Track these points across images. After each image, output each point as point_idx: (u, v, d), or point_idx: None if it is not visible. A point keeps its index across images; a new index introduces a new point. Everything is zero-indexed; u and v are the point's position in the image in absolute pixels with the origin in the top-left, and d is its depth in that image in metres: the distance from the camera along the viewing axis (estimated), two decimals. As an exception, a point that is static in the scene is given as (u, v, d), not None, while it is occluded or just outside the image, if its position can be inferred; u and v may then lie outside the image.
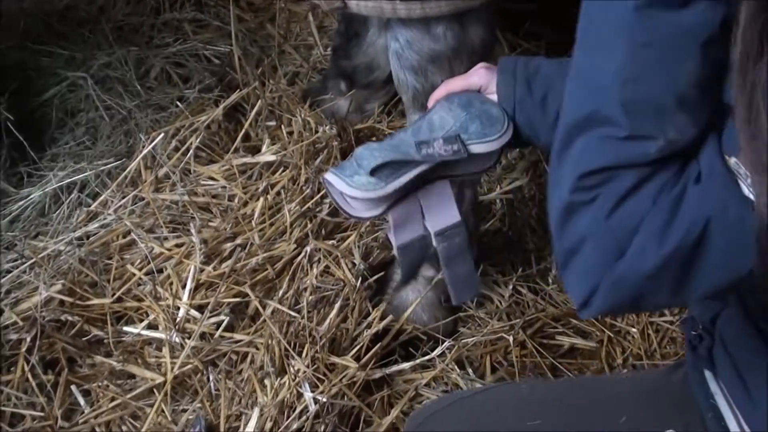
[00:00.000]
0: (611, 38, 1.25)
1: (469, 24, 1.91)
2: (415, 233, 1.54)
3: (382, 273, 2.36)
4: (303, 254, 2.33)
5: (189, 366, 2.14)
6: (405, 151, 1.45)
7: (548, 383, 2.04)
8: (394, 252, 1.57)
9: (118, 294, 2.27)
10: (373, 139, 2.76)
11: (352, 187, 1.43)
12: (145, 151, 2.54)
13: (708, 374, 1.49)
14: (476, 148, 1.47)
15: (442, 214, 1.54)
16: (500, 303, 2.42)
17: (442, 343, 2.27)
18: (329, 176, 1.45)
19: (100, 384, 2.15)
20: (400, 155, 1.44)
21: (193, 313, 2.23)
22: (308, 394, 2.06)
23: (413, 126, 1.50)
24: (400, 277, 2.30)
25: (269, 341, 2.15)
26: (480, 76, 1.57)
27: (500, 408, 1.61)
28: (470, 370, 2.26)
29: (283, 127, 2.68)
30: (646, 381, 1.69)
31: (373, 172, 1.42)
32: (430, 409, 1.65)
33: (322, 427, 2.05)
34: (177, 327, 2.19)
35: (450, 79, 1.56)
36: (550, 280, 2.49)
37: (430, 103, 1.56)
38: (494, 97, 1.55)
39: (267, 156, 2.57)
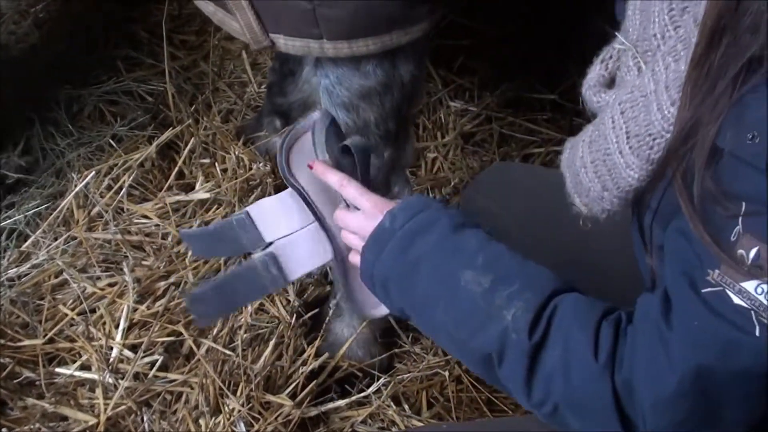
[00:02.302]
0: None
1: (399, 60, 1.93)
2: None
3: (316, 310, 2.36)
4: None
5: (123, 407, 2.11)
6: None
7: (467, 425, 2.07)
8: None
9: (50, 335, 2.24)
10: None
11: None
12: (76, 190, 2.52)
13: None
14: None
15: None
16: (435, 338, 2.42)
17: (378, 380, 2.27)
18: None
19: (32, 427, 2.11)
20: None
21: (127, 353, 2.21)
22: (243, 433, 2.05)
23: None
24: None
25: (204, 380, 2.13)
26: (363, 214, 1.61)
27: None
28: (406, 406, 2.27)
29: (217, 164, 2.68)
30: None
31: None
32: None
33: (258, 466, 2.04)
34: (110, 367, 2.17)
35: (349, 186, 1.60)
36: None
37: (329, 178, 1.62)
38: None
39: (201, 194, 2.57)
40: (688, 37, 1.30)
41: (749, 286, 1.19)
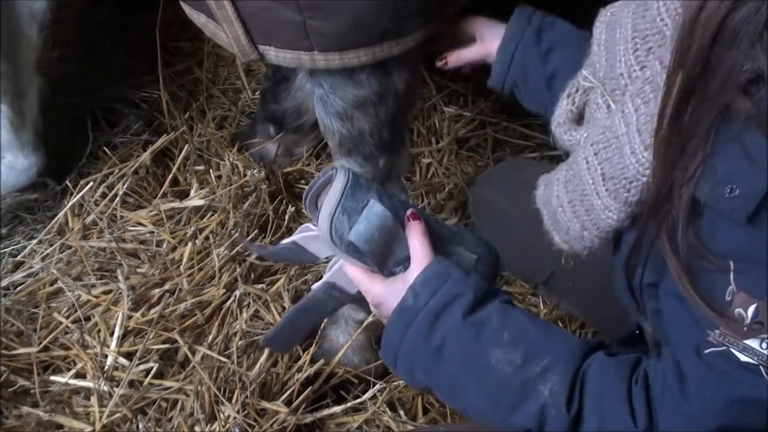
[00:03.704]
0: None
1: (393, 69, 1.93)
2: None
3: (312, 316, 2.35)
4: (232, 299, 2.33)
5: (118, 415, 2.11)
6: None
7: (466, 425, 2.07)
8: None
9: (44, 343, 2.24)
10: (302, 182, 2.77)
11: None
12: (72, 201, 2.52)
13: None
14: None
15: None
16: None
17: (374, 386, 2.27)
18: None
19: (27, 435, 2.12)
20: None
21: (122, 360, 2.21)
22: (239, 441, 2.05)
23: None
24: None
25: (199, 387, 2.13)
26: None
27: None
28: (402, 412, 2.26)
29: (211, 171, 2.68)
30: None
31: None
32: None
33: (253, 474, 2.04)
34: (105, 375, 2.17)
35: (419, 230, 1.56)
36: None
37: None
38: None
39: (195, 200, 2.57)
40: (655, 80, 1.30)
41: (753, 343, 1.19)
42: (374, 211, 1.52)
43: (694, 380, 1.28)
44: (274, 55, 1.84)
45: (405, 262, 1.56)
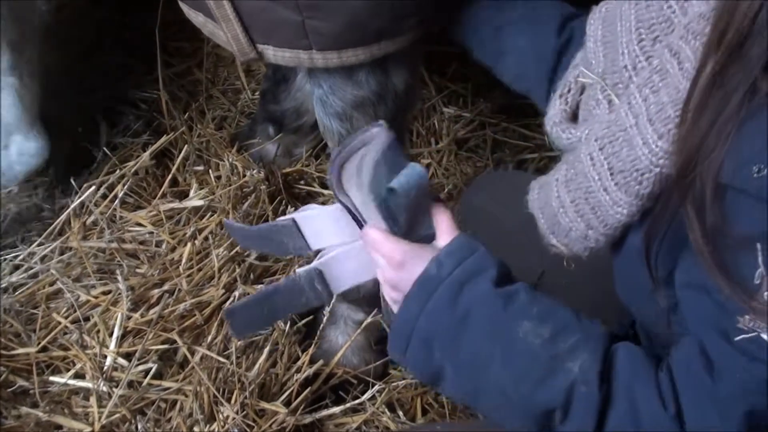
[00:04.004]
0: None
1: (391, 68, 1.93)
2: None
3: (310, 317, 2.35)
4: (231, 299, 2.32)
5: (117, 415, 2.11)
6: None
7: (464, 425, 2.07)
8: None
9: (43, 343, 2.25)
10: (302, 182, 2.77)
11: None
12: (74, 204, 2.52)
13: None
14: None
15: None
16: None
17: (373, 386, 2.27)
18: None
19: (26, 436, 2.12)
20: None
21: (121, 361, 2.21)
22: (238, 441, 2.05)
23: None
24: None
25: (198, 388, 2.13)
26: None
27: None
28: (401, 413, 2.27)
29: (210, 171, 2.68)
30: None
31: None
32: None
33: (252, 474, 2.04)
34: (104, 376, 2.17)
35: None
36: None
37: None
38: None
39: (194, 201, 2.57)
40: (664, 67, 1.29)
41: None
42: (416, 170, 1.49)
43: (723, 365, 1.26)
44: (273, 54, 1.84)
45: (428, 240, 1.52)
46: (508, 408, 1.41)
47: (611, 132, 1.36)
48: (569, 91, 1.52)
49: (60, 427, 2.14)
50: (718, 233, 1.20)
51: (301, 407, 2.17)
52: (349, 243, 1.59)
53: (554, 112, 1.54)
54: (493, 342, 1.39)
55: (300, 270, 1.60)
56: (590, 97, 1.47)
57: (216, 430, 2.08)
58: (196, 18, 1.94)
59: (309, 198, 2.72)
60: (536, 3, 1.80)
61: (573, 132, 1.49)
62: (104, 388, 2.15)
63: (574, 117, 1.52)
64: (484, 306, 1.40)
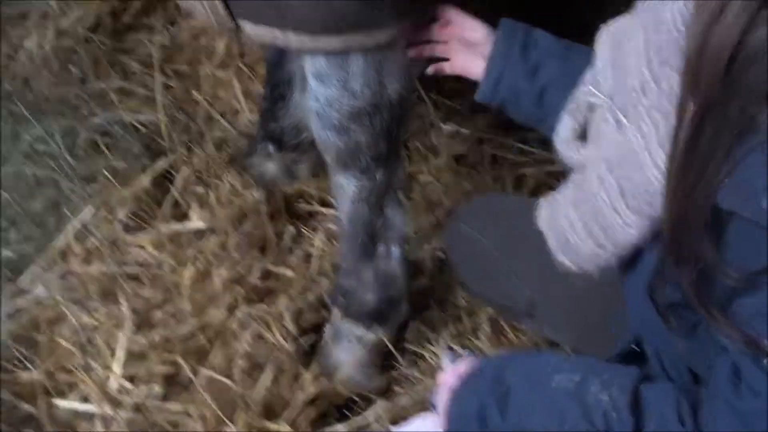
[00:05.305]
0: None
1: (386, 79, 1.95)
2: None
3: (314, 335, 2.36)
4: (234, 320, 2.33)
5: (122, 438, 2.12)
6: None
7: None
8: None
9: (48, 368, 2.25)
10: (301, 201, 2.77)
11: None
12: (75, 229, 2.53)
13: None
14: None
15: None
16: (432, 360, 2.43)
17: (377, 403, 2.27)
18: None
19: (32, 461, 2.12)
20: None
21: (125, 384, 2.22)
22: (243, 461, 2.05)
23: None
24: None
25: (203, 409, 2.13)
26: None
27: None
28: (405, 430, 2.27)
29: (211, 192, 2.69)
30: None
31: None
32: None
33: (259, 494, 2.04)
34: (109, 399, 2.17)
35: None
36: (482, 336, 2.50)
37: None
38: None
39: (195, 222, 2.58)
40: (674, 90, 1.28)
41: None
42: None
43: (751, 379, 1.27)
44: (250, 29, 1.86)
45: None
46: None
47: (621, 154, 1.36)
48: (578, 108, 1.53)
49: (66, 450, 2.15)
50: (726, 284, 1.22)
51: (306, 426, 2.17)
52: None
53: (564, 131, 1.54)
54: (531, 395, 1.49)
55: None
56: (599, 116, 1.47)
57: (221, 450, 2.08)
58: None
59: (309, 218, 2.73)
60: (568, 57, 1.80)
61: (582, 151, 1.49)
62: (109, 412, 2.15)
63: (583, 135, 1.53)
64: (521, 372, 1.53)
